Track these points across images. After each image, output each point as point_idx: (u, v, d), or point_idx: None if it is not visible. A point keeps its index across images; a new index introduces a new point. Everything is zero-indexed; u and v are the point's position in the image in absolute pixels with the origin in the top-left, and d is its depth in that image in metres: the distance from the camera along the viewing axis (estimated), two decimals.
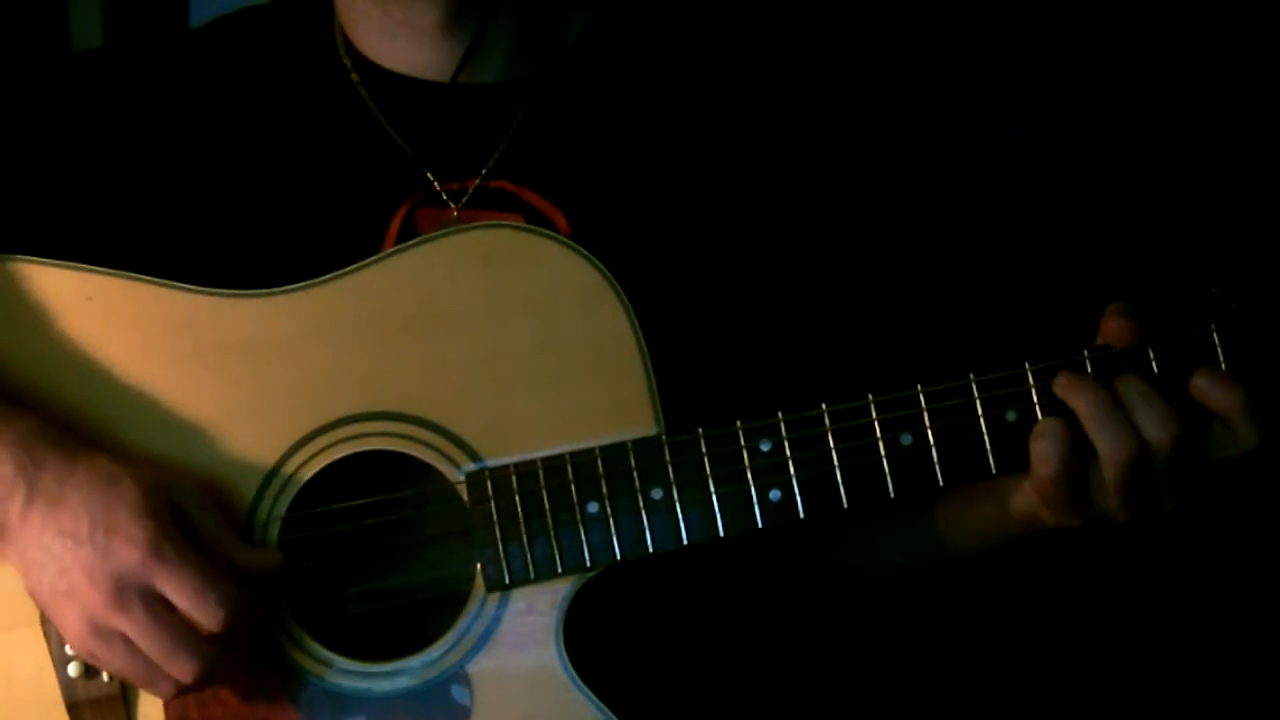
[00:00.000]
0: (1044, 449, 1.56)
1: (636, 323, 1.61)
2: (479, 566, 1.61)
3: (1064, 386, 1.57)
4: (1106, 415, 1.55)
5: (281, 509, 1.62)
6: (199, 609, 1.53)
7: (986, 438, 1.58)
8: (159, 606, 1.53)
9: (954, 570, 1.80)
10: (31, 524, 1.55)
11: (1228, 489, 1.60)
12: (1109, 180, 2.43)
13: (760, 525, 1.59)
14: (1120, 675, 2.48)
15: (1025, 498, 1.61)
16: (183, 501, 1.57)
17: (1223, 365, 1.57)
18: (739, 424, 1.60)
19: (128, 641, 1.54)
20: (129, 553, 1.52)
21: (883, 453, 1.59)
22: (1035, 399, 1.58)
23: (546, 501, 1.60)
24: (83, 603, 1.53)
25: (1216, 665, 2.46)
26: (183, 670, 1.54)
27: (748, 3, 2.07)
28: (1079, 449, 1.56)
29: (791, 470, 1.59)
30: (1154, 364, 1.57)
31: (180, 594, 1.53)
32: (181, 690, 1.56)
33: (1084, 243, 2.42)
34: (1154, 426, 1.55)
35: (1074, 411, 1.56)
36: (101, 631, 1.54)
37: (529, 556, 1.60)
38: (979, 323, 1.91)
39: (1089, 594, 2.46)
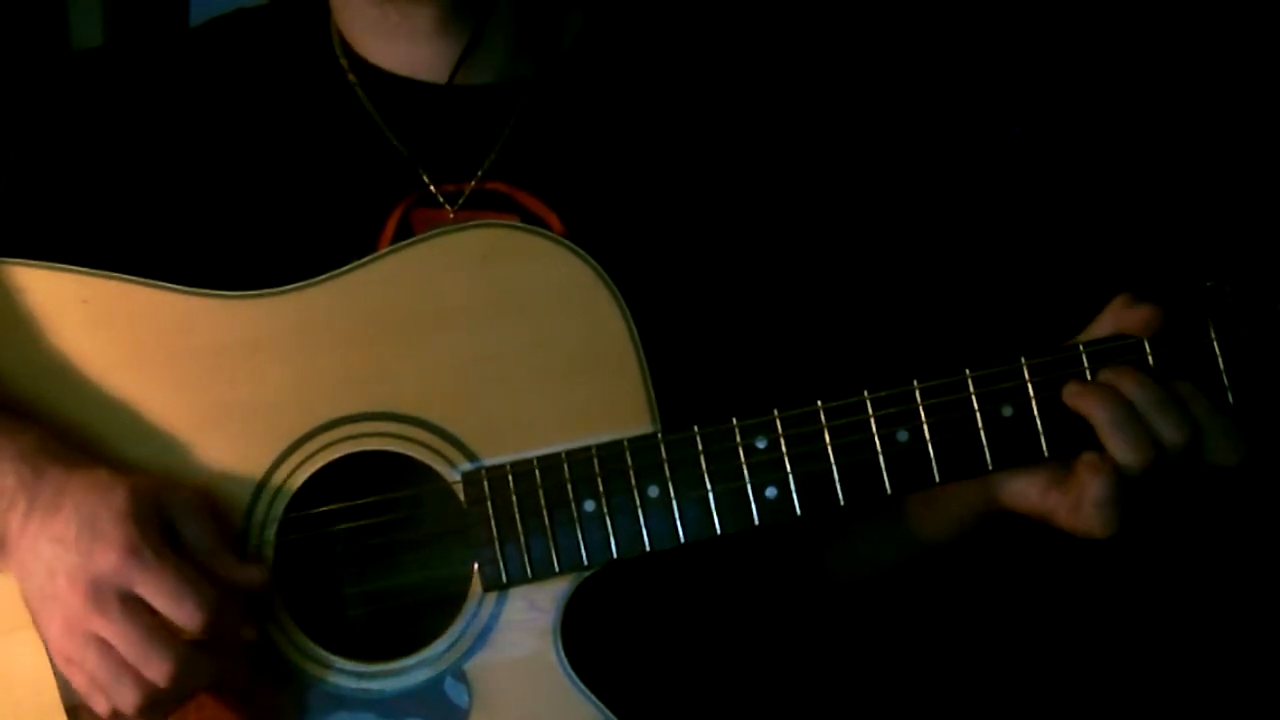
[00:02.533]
0: (1103, 485, 1.55)
1: (632, 321, 1.61)
2: (476, 566, 1.61)
3: (1075, 395, 1.57)
4: (1126, 423, 1.55)
5: (278, 510, 1.62)
6: (176, 610, 1.52)
7: (983, 434, 1.58)
8: (136, 607, 1.53)
9: (944, 563, 1.80)
10: (29, 532, 1.56)
11: (1227, 489, 1.60)
12: (1104, 177, 2.43)
13: (757, 523, 1.59)
14: (1120, 675, 2.48)
15: (1033, 498, 1.61)
16: (173, 510, 1.57)
17: (1219, 360, 1.57)
18: (735, 421, 1.59)
19: (103, 644, 1.53)
20: (108, 556, 1.53)
21: (879, 449, 1.58)
22: (1031, 394, 1.57)
23: (543, 500, 1.60)
24: (63, 605, 1.54)
25: (1217, 665, 2.46)
26: (157, 670, 1.52)
27: (745, 3, 2.06)
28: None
29: (788, 467, 1.59)
30: (1150, 358, 1.57)
31: (157, 595, 1.53)
32: (151, 699, 1.54)
33: (1079, 239, 2.42)
34: (1170, 430, 1.55)
35: (1088, 419, 1.56)
36: (78, 633, 1.54)
37: (526, 556, 1.60)
38: (974, 318, 1.91)
39: (1087, 594, 2.45)
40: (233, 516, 1.62)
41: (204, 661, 1.55)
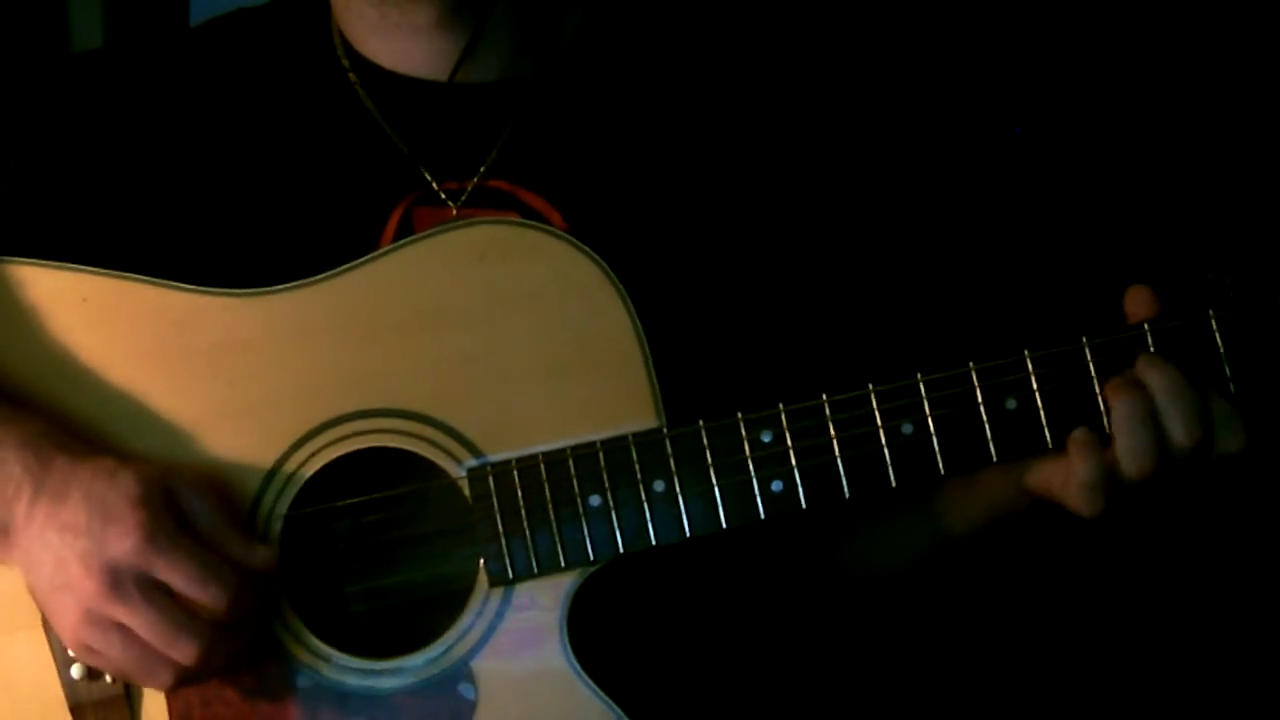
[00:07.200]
0: (1089, 469, 1.56)
1: (636, 316, 1.61)
2: (482, 562, 1.61)
3: (1113, 388, 1.57)
4: (1138, 425, 1.55)
5: (283, 507, 1.63)
6: (200, 592, 1.54)
7: (987, 425, 1.58)
8: (156, 592, 1.54)
9: (952, 561, 1.80)
10: (35, 521, 1.56)
11: (1228, 487, 1.60)
12: (1106, 170, 2.44)
13: (762, 516, 1.59)
14: (1120, 675, 2.48)
15: (1055, 475, 1.60)
16: (180, 494, 1.57)
17: (1221, 352, 1.57)
18: (740, 415, 1.59)
19: (125, 630, 1.54)
20: (124, 541, 1.53)
21: (884, 442, 1.58)
22: (1035, 386, 1.58)
23: (548, 496, 1.60)
24: (79, 593, 1.54)
25: (1217, 665, 2.46)
26: (185, 652, 1.54)
27: None
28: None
29: (793, 461, 1.59)
30: (1151, 349, 1.57)
31: (179, 577, 1.54)
32: (181, 678, 1.56)
33: (1082, 232, 2.42)
34: (1179, 432, 1.56)
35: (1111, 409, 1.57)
36: (98, 621, 1.54)
37: (531, 551, 1.60)
38: (978, 311, 1.91)
39: (1089, 594, 2.46)
40: (238, 514, 1.61)
41: (222, 641, 1.56)
